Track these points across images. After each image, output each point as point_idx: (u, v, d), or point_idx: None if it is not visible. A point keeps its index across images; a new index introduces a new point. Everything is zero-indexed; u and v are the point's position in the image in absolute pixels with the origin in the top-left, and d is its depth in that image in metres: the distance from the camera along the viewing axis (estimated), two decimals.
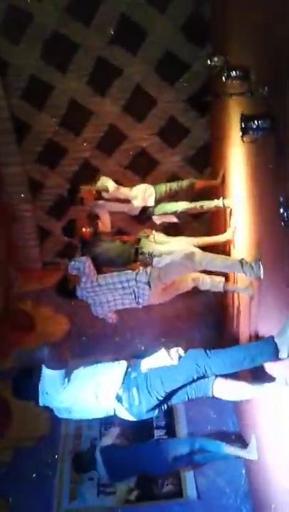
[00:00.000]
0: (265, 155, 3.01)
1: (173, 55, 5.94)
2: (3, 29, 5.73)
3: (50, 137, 6.53)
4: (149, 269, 4.03)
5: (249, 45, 3.42)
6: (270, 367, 3.05)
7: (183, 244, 4.52)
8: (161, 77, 6.10)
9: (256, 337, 3.56)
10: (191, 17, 5.69)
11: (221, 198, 4.92)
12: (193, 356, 2.97)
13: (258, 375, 3.21)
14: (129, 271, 4.07)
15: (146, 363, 3.04)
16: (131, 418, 3.09)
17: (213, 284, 4.03)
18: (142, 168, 6.57)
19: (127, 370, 3.06)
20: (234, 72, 3.25)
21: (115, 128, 6.44)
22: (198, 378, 2.97)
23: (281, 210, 2.33)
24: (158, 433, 5.05)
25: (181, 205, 5.06)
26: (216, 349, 2.97)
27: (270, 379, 3.01)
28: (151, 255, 4.40)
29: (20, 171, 6.75)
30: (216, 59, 3.93)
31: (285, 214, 2.30)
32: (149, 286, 3.89)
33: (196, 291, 4.18)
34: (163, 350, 3.03)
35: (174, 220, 5.19)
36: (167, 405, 3.14)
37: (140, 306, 4.07)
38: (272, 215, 2.76)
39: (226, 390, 3.05)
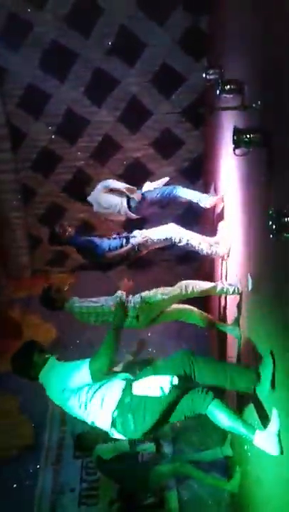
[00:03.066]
0: (257, 168, 3.04)
1: (169, 68, 6.00)
2: (3, 37, 5.76)
3: (45, 145, 6.55)
4: (136, 299, 3.90)
5: (244, 60, 3.47)
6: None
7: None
8: (157, 89, 6.15)
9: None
10: (188, 31, 5.77)
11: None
12: (179, 360, 2.99)
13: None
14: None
15: (139, 389, 2.95)
16: (124, 438, 3.07)
17: (202, 316, 4.08)
18: (135, 178, 6.59)
19: (120, 396, 2.96)
20: (228, 86, 3.30)
21: (110, 138, 6.48)
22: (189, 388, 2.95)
23: (270, 223, 2.34)
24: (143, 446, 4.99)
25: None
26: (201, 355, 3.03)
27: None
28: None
29: (13, 178, 6.76)
30: (211, 72, 3.98)
31: (274, 227, 2.31)
32: (137, 320, 3.85)
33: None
34: (153, 379, 2.93)
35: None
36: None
37: None
38: (262, 228, 2.78)
39: (220, 413, 2.91)
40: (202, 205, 4.86)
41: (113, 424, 2.95)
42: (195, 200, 4.89)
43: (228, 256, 4.37)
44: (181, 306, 4.12)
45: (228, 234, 4.40)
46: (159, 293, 3.94)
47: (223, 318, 4.54)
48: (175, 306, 4.07)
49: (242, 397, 3.55)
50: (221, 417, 2.87)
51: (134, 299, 3.87)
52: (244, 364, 3.37)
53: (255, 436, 2.76)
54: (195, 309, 4.17)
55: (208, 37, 5.68)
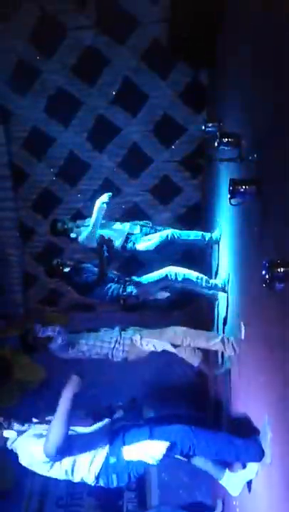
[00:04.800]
0: (251, 218, 3.11)
1: (170, 119, 6.23)
2: (12, 82, 6.00)
3: (46, 186, 6.69)
4: (126, 344, 3.85)
5: (242, 115, 3.62)
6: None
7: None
8: (157, 138, 6.36)
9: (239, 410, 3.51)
10: (189, 84, 6.03)
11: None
12: (179, 438, 2.83)
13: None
14: (110, 337, 3.89)
15: (130, 454, 2.85)
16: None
17: (191, 355, 3.96)
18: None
19: (107, 454, 2.87)
20: (226, 139, 3.42)
21: (110, 182, 6.62)
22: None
23: (263, 272, 2.37)
24: (128, 495, 4.83)
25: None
26: (202, 430, 2.88)
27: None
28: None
29: (13, 216, 6.85)
30: (210, 125, 4.13)
31: (267, 276, 2.34)
32: (126, 360, 3.84)
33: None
34: (147, 443, 2.85)
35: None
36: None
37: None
38: (255, 277, 2.81)
39: (204, 460, 2.95)
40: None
41: (97, 482, 2.88)
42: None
43: (227, 290, 4.29)
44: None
45: (225, 274, 4.38)
46: (150, 344, 3.81)
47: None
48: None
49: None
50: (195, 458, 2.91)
51: (125, 343, 3.84)
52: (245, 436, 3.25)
53: (224, 475, 2.89)
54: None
55: (209, 90, 5.93)
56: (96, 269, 4.60)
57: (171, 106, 6.17)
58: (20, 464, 2.85)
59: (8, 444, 2.88)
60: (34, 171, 6.58)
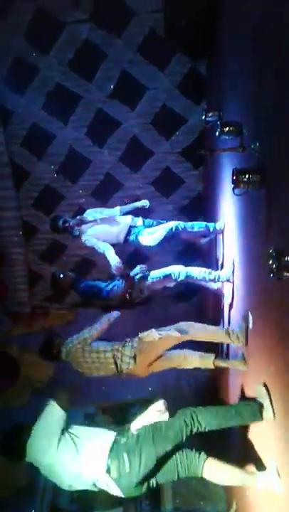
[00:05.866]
0: (256, 208, 3.08)
1: (169, 110, 6.18)
2: (9, 79, 5.96)
3: (47, 183, 6.66)
4: (134, 341, 3.79)
5: (242, 103, 3.58)
6: (263, 456, 2.97)
7: None
8: (157, 130, 6.31)
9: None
10: (187, 74, 5.98)
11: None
12: (181, 412, 2.99)
13: (248, 463, 3.16)
14: (116, 344, 3.81)
15: (136, 424, 2.96)
16: (119, 493, 2.95)
17: (202, 360, 3.86)
18: (136, 216, 6.66)
19: (116, 437, 2.95)
20: (227, 128, 3.38)
21: (111, 176, 6.59)
22: (188, 435, 2.92)
23: (270, 262, 2.35)
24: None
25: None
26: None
27: (262, 468, 2.92)
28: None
29: (15, 215, 6.84)
30: (210, 114, 4.08)
31: (274, 266, 2.32)
32: (134, 361, 3.70)
33: None
34: (151, 407, 2.96)
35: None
36: (156, 483, 3.00)
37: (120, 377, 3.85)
38: (261, 267, 2.79)
39: (216, 473, 2.91)
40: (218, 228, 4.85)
41: (108, 471, 2.87)
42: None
43: (232, 280, 4.25)
44: (181, 352, 3.89)
45: (230, 266, 4.35)
46: (155, 332, 3.77)
47: (226, 354, 4.44)
48: (175, 352, 3.86)
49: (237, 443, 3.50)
50: (219, 476, 2.87)
51: (133, 340, 3.79)
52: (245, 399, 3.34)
53: (258, 482, 2.76)
54: (194, 354, 3.91)
55: (207, 80, 5.88)
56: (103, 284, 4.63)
57: (170, 97, 6.12)
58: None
59: None
60: (35, 168, 6.56)
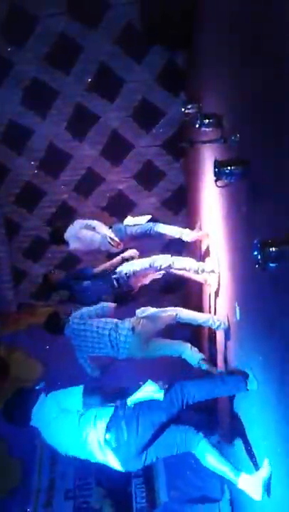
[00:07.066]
0: (239, 199, 3.08)
1: (149, 103, 6.15)
2: None
3: (28, 180, 6.59)
4: (131, 320, 3.97)
5: (221, 94, 3.56)
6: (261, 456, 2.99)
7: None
8: (137, 123, 6.28)
9: None
10: (166, 67, 5.94)
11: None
12: (172, 385, 3.09)
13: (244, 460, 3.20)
14: (113, 320, 4.03)
15: (133, 397, 3.05)
16: (118, 465, 3.00)
17: (193, 356, 4.00)
18: (118, 210, 6.64)
19: (115, 410, 3.04)
20: (207, 120, 3.37)
21: (93, 171, 6.55)
22: (180, 407, 3.02)
23: (255, 253, 2.35)
24: (136, 481, 4.87)
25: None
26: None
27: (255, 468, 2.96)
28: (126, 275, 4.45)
29: None
30: (189, 106, 4.07)
31: (259, 256, 2.32)
32: (133, 332, 3.86)
33: None
34: (148, 383, 3.06)
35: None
36: (156, 458, 3.09)
37: (119, 358, 3.99)
38: (246, 258, 2.79)
39: (207, 456, 3.00)
40: (185, 239, 4.89)
41: (106, 441, 2.94)
42: (177, 236, 4.92)
43: (217, 271, 4.29)
44: (176, 341, 4.07)
45: (215, 257, 4.39)
46: (152, 308, 4.02)
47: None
48: (170, 341, 4.05)
49: (234, 440, 3.54)
50: (209, 458, 2.97)
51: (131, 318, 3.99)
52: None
53: (240, 479, 2.85)
54: (189, 346, 4.04)
55: (186, 72, 5.85)
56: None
57: (148, 90, 6.09)
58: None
59: None
60: (15, 165, 6.48)
